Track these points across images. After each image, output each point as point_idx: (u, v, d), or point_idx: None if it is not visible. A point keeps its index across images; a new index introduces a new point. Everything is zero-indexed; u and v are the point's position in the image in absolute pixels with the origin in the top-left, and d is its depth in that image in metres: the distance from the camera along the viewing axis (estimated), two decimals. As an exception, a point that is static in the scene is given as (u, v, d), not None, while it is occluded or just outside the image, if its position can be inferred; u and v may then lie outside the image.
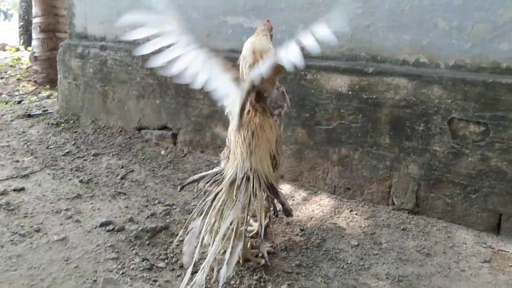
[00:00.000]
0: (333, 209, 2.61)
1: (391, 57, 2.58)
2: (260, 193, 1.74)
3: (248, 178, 1.74)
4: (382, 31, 2.58)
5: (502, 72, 2.26)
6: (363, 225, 2.43)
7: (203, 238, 1.71)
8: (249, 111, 1.80)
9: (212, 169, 1.98)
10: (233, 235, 1.67)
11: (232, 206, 1.71)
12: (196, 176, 1.93)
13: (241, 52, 3.06)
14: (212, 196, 1.77)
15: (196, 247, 1.70)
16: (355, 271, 2.02)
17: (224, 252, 1.68)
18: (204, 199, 1.78)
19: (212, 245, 1.67)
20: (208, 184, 1.86)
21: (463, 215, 2.39)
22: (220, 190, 1.77)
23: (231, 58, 3.08)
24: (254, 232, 2.22)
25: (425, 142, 2.43)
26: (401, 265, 2.07)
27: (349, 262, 2.08)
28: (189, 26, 3.31)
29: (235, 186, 1.75)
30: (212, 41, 3.31)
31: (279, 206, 1.91)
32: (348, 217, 2.52)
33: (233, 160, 1.81)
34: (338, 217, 2.53)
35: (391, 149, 2.54)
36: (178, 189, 2.36)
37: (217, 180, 1.84)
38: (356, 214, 2.55)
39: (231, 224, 1.67)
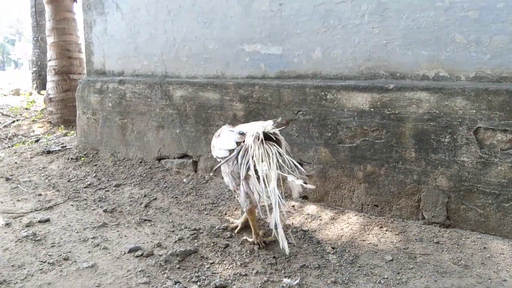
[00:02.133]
0: (362, 227, 2.58)
1: (410, 73, 2.62)
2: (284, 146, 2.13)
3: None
4: (400, 49, 2.64)
5: (524, 81, 2.29)
6: (395, 241, 2.39)
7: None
8: None
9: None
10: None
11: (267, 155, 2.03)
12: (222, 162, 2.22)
13: (258, 78, 3.12)
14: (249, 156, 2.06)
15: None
16: (393, 286, 1.96)
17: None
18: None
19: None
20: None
21: (497, 225, 2.34)
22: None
23: (250, 84, 3.16)
24: (238, 228, 2.54)
25: (452, 153, 2.42)
26: (440, 278, 2.02)
27: (385, 277, 2.03)
28: (207, 56, 3.42)
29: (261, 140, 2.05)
30: (230, 70, 3.39)
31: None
32: (379, 234, 2.48)
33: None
34: (369, 234, 2.49)
35: (417, 162, 2.53)
36: (212, 173, 2.36)
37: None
38: (386, 230, 2.51)
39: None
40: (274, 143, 2.10)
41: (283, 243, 1.96)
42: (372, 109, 2.66)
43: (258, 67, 3.23)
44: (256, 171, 2.02)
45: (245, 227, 2.56)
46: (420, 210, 2.56)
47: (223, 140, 2.27)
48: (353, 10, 2.74)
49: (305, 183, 2.00)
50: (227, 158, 2.18)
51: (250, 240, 2.40)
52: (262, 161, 1.99)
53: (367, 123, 2.68)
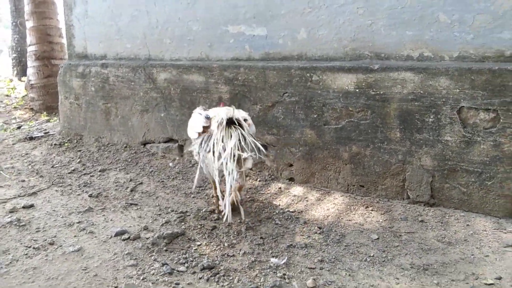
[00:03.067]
0: (348, 207, 2.60)
1: (395, 53, 2.62)
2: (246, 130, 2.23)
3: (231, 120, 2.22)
4: (384, 29, 2.63)
5: (507, 60, 2.31)
6: (381, 220, 2.42)
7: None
8: None
9: None
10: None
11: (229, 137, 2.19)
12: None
13: (243, 60, 3.11)
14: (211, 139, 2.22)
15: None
16: (379, 263, 1.99)
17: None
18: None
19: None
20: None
21: (480, 203, 2.39)
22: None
23: (235, 66, 3.13)
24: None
25: (436, 133, 2.44)
26: (424, 254, 2.05)
27: (371, 255, 2.06)
28: (191, 38, 3.37)
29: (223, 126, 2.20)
30: (214, 52, 3.35)
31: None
32: (365, 213, 2.51)
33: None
34: (355, 214, 2.52)
35: (402, 143, 2.55)
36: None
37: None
38: (372, 210, 2.54)
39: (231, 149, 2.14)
40: (238, 127, 2.23)
41: (228, 213, 2.16)
42: (357, 90, 2.66)
43: (243, 49, 3.20)
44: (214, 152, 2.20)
45: (233, 209, 2.56)
46: (405, 190, 2.60)
47: (192, 123, 2.39)
48: (338, -10, 2.73)
49: (259, 157, 2.22)
50: (194, 142, 2.32)
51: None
52: (222, 142, 2.18)
53: (352, 104, 2.69)
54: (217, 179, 2.24)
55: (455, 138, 2.40)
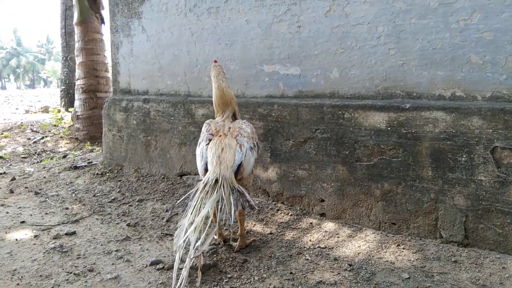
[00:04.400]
0: (379, 244, 2.60)
1: (426, 93, 2.66)
2: (227, 190, 2.20)
3: (217, 181, 2.21)
4: (416, 69, 2.69)
5: (541, 101, 2.30)
6: (412, 259, 2.40)
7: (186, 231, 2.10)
8: (221, 135, 2.45)
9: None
10: (208, 222, 2.14)
11: (207, 201, 2.16)
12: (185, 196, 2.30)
13: (277, 97, 3.24)
14: (192, 196, 2.22)
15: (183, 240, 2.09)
16: (410, 304, 1.98)
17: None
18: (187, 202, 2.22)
19: (193, 233, 2.09)
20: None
21: (516, 245, 2.33)
22: (197, 191, 2.21)
23: (269, 103, 3.25)
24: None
25: (469, 172, 2.43)
26: (457, 297, 2.02)
27: (402, 295, 2.05)
28: (228, 76, 3.53)
29: (208, 186, 2.20)
30: (250, 90, 3.49)
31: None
32: (396, 252, 2.49)
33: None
34: (386, 251, 2.51)
35: (434, 181, 2.55)
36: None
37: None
38: (403, 249, 2.52)
39: (206, 215, 2.12)
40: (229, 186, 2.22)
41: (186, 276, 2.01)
42: (389, 128, 2.70)
43: (277, 87, 3.33)
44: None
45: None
46: (438, 229, 2.57)
47: (197, 160, 2.47)
48: (370, 31, 2.82)
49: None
50: (186, 195, 2.29)
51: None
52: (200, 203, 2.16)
53: (384, 141, 2.72)
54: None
55: (489, 178, 2.38)
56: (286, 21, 3.19)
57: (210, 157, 2.32)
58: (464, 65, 2.52)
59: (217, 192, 2.18)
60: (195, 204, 2.16)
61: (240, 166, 2.34)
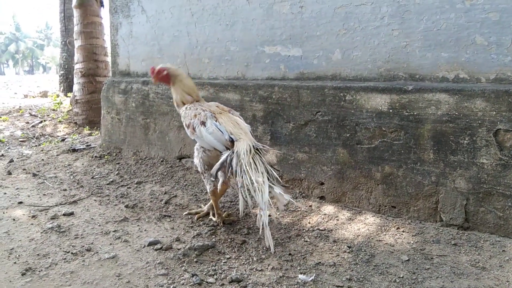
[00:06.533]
0: (379, 227, 2.58)
1: (429, 75, 2.62)
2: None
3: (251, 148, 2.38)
4: (419, 51, 2.64)
5: (546, 83, 2.26)
6: (412, 242, 2.38)
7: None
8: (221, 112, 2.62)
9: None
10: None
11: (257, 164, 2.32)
12: (217, 165, 2.38)
13: (278, 79, 3.19)
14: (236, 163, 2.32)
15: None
16: (408, 285, 1.96)
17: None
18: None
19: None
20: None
21: (517, 228, 2.32)
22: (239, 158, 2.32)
23: (269, 85, 3.21)
24: (203, 213, 2.79)
25: (471, 155, 2.41)
26: (456, 279, 2.01)
27: (401, 276, 2.03)
28: (228, 58, 3.48)
29: (250, 153, 2.35)
30: (251, 71, 3.44)
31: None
32: (396, 234, 2.48)
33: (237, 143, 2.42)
34: (385, 234, 2.49)
35: (435, 164, 2.52)
36: (212, 177, 2.52)
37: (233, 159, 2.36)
38: (403, 231, 2.51)
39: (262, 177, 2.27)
40: (260, 155, 2.40)
41: (270, 243, 2.19)
42: (391, 110, 2.67)
43: (278, 69, 3.28)
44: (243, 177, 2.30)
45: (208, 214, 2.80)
46: (438, 212, 2.55)
47: (209, 138, 2.49)
48: (373, 12, 2.77)
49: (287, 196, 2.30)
50: (220, 162, 2.38)
51: (213, 219, 2.71)
52: (257, 172, 2.29)
53: (385, 124, 2.69)
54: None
55: (491, 161, 2.35)
56: (288, 1, 3.13)
57: (233, 129, 2.48)
58: (468, 47, 2.48)
59: (259, 158, 2.37)
60: (246, 168, 2.28)
61: None
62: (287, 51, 3.20)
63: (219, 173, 2.57)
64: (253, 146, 2.39)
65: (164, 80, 2.79)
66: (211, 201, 2.73)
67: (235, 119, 2.58)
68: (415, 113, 2.58)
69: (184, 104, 2.74)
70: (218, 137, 2.46)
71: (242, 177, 2.27)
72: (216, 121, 2.50)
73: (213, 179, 2.53)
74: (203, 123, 2.52)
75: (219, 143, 2.45)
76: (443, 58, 2.57)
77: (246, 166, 2.29)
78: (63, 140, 5.54)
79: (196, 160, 2.66)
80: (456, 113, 2.44)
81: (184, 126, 2.66)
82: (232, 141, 2.41)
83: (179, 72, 2.80)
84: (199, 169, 2.66)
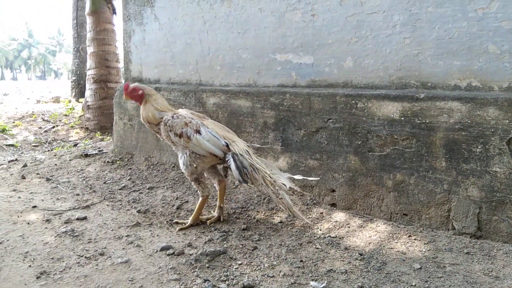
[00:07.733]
0: (390, 235, 2.57)
1: (441, 83, 2.62)
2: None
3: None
4: (431, 59, 2.65)
5: (560, 91, 2.25)
6: (424, 250, 2.38)
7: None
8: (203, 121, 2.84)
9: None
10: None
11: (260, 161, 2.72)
12: (237, 172, 2.58)
13: (289, 87, 3.21)
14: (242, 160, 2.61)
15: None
16: (421, 293, 1.96)
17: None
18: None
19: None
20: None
21: (530, 238, 2.30)
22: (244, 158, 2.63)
23: (281, 93, 3.23)
24: (214, 218, 2.86)
25: (484, 163, 2.40)
26: (469, 287, 2.00)
27: (413, 284, 2.03)
28: (240, 65, 3.51)
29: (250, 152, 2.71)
30: (262, 79, 3.47)
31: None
32: (407, 242, 2.47)
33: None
34: (397, 242, 2.49)
35: (448, 172, 2.52)
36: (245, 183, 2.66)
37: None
38: (415, 239, 2.50)
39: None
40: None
41: (301, 217, 2.64)
42: (402, 118, 2.67)
43: (289, 76, 3.30)
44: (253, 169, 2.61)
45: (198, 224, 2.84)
46: (450, 220, 2.54)
47: (208, 145, 2.65)
48: (385, 20, 2.78)
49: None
50: (236, 167, 2.58)
51: (184, 221, 2.83)
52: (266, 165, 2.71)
53: (397, 131, 2.69)
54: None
55: (504, 170, 2.34)
56: (300, 9, 3.16)
57: (224, 134, 2.72)
58: (481, 55, 2.48)
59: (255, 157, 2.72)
60: (257, 164, 2.63)
61: None
62: (299, 58, 3.23)
63: (214, 173, 2.87)
64: (248, 146, 2.72)
65: (136, 98, 2.82)
66: (217, 205, 2.88)
67: (217, 124, 2.85)
68: (427, 121, 2.58)
69: (154, 120, 2.78)
70: (216, 142, 2.64)
71: (259, 173, 2.58)
72: (207, 128, 2.69)
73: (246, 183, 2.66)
74: (198, 131, 2.65)
75: (217, 149, 2.64)
76: (456, 66, 2.57)
77: (257, 164, 2.60)
78: (75, 145, 5.60)
79: (190, 168, 2.72)
80: (469, 121, 2.44)
81: (171, 136, 2.70)
82: (227, 145, 2.64)
83: (154, 92, 2.86)
84: (192, 178, 2.75)
